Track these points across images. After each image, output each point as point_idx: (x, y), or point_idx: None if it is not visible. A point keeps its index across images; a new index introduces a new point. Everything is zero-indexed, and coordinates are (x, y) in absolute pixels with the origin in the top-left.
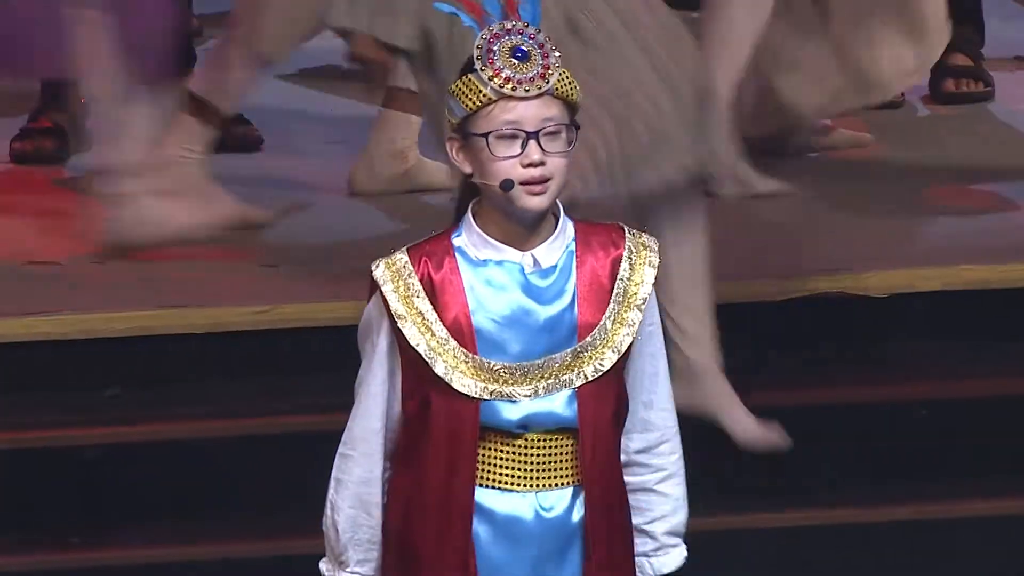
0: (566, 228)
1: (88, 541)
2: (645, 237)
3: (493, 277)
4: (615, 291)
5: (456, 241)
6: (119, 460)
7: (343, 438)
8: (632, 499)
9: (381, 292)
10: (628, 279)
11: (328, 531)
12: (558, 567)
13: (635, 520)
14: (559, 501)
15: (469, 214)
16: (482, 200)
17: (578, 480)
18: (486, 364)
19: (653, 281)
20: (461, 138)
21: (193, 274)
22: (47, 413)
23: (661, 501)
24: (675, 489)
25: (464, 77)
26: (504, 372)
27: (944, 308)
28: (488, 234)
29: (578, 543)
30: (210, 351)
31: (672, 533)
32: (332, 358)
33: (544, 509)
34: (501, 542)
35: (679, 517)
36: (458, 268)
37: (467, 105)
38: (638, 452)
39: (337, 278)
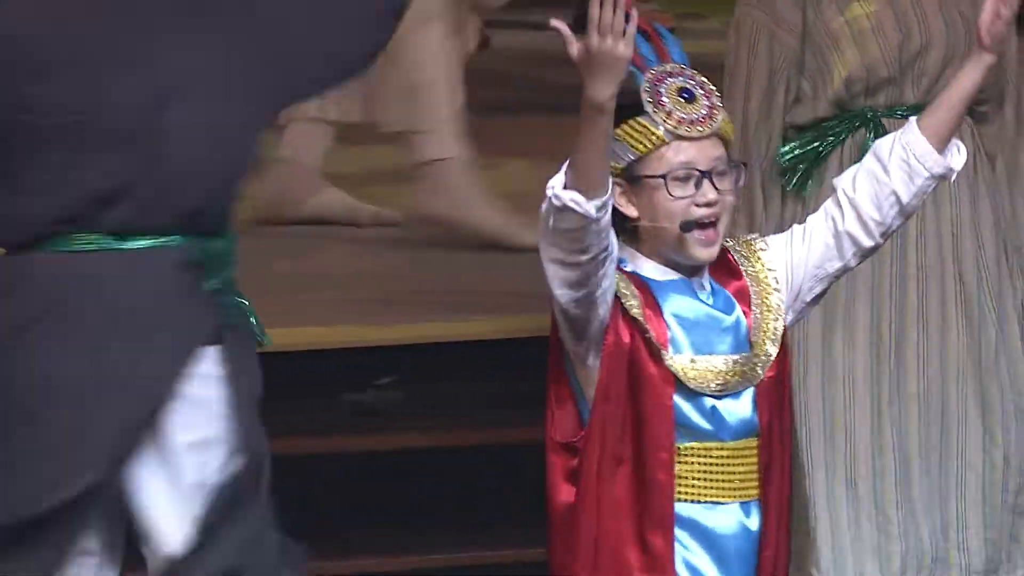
0: None
1: None
2: (739, 235)
3: (675, 288)
4: (750, 288)
5: (626, 268)
6: None
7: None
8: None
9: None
10: (752, 272)
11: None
12: None
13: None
14: (752, 513)
15: (628, 249)
16: (640, 243)
17: (761, 492)
18: (679, 360)
19: (771, 256)
20: (626, 182)
21: None
22: None
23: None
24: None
25: (632, 121)
26: (698, 369)
27: None
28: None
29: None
30: None
31: None
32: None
33: (746, 521)
34: (715, 560)
35: None
36: (640, 281)
37: (638, 148)
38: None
39: None
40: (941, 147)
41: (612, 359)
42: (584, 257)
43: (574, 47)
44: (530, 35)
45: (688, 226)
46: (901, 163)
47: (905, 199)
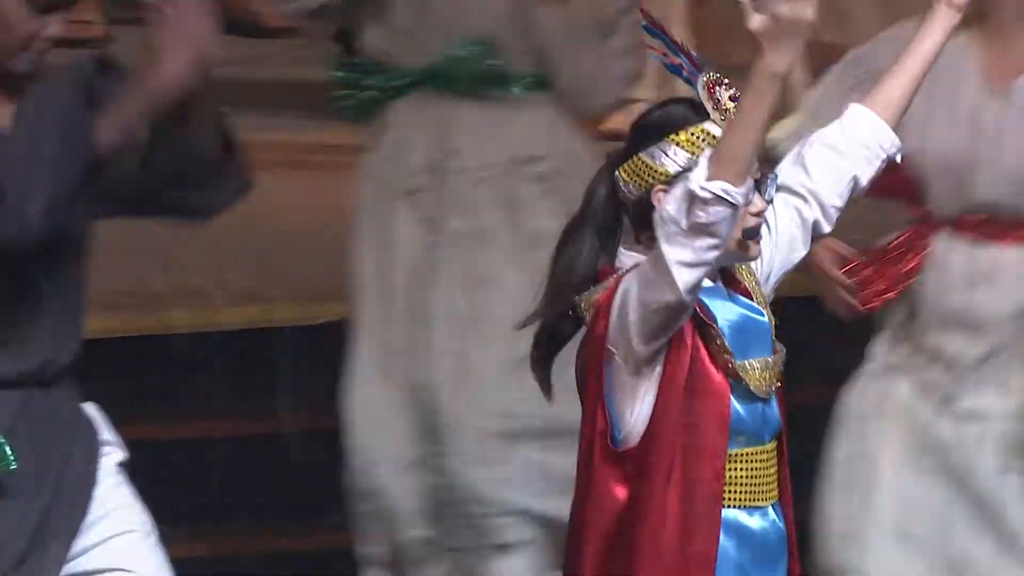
0: None
1: None
2: None
3: (715, 295)
4: (750, 290)
5: None
6: None
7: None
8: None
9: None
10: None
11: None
12: None
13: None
14: (779, 513)
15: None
16: None
17: (779, 492)
18: (732, 363)
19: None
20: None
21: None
22: None
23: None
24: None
25: (692, 128)
26: (750, 371)
27: None
28: None
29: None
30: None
31: None
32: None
33: (777, 521)
34: (756, 562)
35: None
36: None
37: (697, 155)
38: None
39: None
40: (894, 122)
41: (673, 365)
42: (714, 254)
43: (756, 18)
44: None
45: (752, 232)
46: (859, 147)
47: (864, 182)
